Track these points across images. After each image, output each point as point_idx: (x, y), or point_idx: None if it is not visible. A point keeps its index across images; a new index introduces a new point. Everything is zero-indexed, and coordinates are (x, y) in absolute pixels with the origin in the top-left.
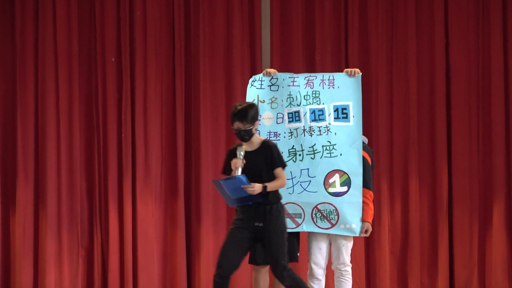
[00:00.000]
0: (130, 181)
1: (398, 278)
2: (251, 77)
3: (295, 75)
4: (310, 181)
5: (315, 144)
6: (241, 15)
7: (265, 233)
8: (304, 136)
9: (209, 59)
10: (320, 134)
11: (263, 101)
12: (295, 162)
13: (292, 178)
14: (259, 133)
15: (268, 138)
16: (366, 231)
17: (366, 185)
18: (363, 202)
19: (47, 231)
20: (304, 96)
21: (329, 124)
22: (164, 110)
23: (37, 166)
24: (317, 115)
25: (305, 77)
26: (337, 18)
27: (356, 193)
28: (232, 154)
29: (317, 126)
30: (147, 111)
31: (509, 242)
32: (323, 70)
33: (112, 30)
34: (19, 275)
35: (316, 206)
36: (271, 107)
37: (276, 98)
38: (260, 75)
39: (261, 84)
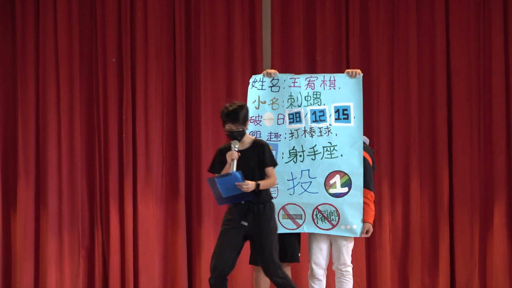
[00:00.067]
0: (131, 181)
1: (399, 279)
2: (251, 77)
3: (296, 76)
4: (311, 182)
5: (315, 145)
6: (242, 16)
7: (258, 231)
8: (305, 137)
9: (210, 60)
10: (321, 135)
11: (264, 102)
12: (295, 163)
13: (292, 179)
14: (260, 134)
15: (268, 139)
16: (367, 232)
17: (367, 185)
18: (364, 202)
19: (48, 231)
20: (305, 97)
21: (330, 125)
22: (165, 110)
23: (38, 166)
24: (318, 116)
25: (306, 78)
26: (338, 18)
27: (356, 194)
28: (222, 153)
29: (317, 127)
30: (148, 111)
31: (510, 242)
32: (324, 70)
33: (113, 31)
34: (20, 275)
35: (316, 207)
36: (272, 108)
37: (277, 99)
38: (260, 75)
39: (262, 85)
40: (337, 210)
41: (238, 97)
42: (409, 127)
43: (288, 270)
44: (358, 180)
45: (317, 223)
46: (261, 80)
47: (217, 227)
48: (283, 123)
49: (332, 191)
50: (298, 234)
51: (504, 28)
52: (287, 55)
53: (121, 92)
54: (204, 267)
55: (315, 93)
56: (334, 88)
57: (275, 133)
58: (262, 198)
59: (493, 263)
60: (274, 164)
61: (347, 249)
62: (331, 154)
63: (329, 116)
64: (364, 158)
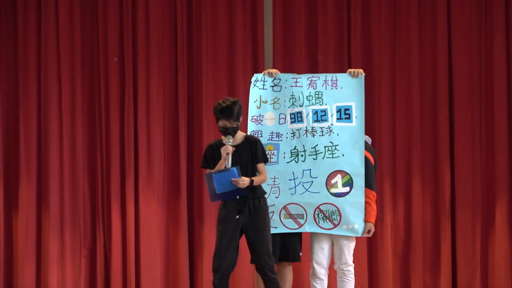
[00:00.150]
0: (133, 181)
1: (401, 278)
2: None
3: (298, 75)
4: (312, 181)
5: (317, 145)
6: (244, 15)
7: (254, 226)
8: (307, 136)
9: (211, 59)
10: (323, 135)
11: (266, 102)
12: (297, 162)
13: (294, 179)
14: (261, 134)
15: (270, 139)
16: (368, 232)
17: (369, 185)
18: (366, 202)
19: (49, 231)
20: (307, 96)
21: (332, 124)
22: (166, 110)
23: (40, 166)
24: (320, 116)
25: (308, 78)
26: (340, 18)
27: (358, 193)
28: (212, 148)
29: (319, 127)
30: (150, 111)
31: None
32: (326, 70)
33: (114, 30)
34: (22, 275)
35: (318, 207)
36: (273, 108)
37: (279, 99)
38: (261, 74)
39: (264, 85)
40: (338, 210)
41: (240, 96)
42: (410, 126)
43: (289, 270)
44: (359, 180)
45: (319, 222)
46: (263, 79)
47: None
48: (285, 122)
49: (333, 190)
50: (300, 234)
51: (506, 28)
52: (288, 55)
53: (123, 91)
54: (206, 266)
55: (317, 92)
56: (336, 88)
57: (276, 133)
58: (257, 193)
59: (495, 262)
60: (266, 160)
61: (349, 248)
62: (332, 153)
63: (331, 116)
64: (366, 158)
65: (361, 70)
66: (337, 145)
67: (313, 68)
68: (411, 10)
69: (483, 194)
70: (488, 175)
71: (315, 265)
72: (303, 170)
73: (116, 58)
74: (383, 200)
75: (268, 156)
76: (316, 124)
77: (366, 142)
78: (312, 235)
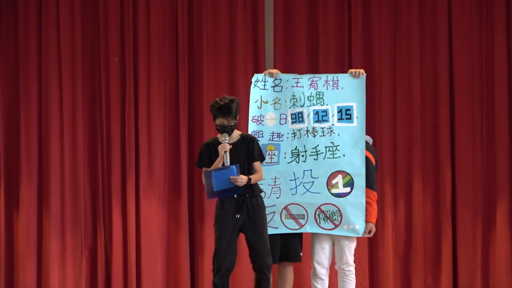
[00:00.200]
0: (134, 181)
1: (402, 278)
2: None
3: (299, 76)
4: (313, 182)
5: (318, 145)
6: (244, 16)
7: (254, 224)
8: (307, 137)
9: (212, 59)
10: (323, 135)
11: (266, 102)
12: (298, 163)
13: (295, 179)
14: (262, 134)
15: (271, 139)
16: (369, 232)
17: (369, 185)
18: (367, 202)
19: (50, 231)
20: (308, 97)
21: (333, 125)
22: (167, 110)
23: (41, 166)
24: (321, 116)
25: (309, 78)
26: (341, 18)
27: (359, 194)
28: (208, 147)
29: (320, 127)
30: (151, 111)
31: None
32: (327, 70)
33: (115, 30)
34: (23, 275)
35: (319, 207)
36: (274, 108)
37: (280, 99)
38: (262, 74)
39: (265, 85)
40: (339, 210)
41: (241, 97)
42: (411, 127)
43: (290, 270)
44: (360, 180)
45: (320, 223)
46: (264, 80)
47: None
48: (286, 123)
49: (334, 191)
50: (300, 234)
51: (507, 28)
52: (289, 55)
53: (124, 92)
54: (207, 266)
55: (318, 93)
56: (337, 88)
57: (277, 133)
58: (255, 192)
59: (496, 263)
60: (262, 158)
61: (350, 248)
62: (333, 154)
63: (332, 116)
64: (367, 158)
65: (362, 71)
66: (338, 145)
67: (314, 68)
68: (411, 10)
69: (484, 194)
70: (489, 174)
71: (316, 265)
72: (304, 171)
73: (117, 58)
74: (384, 200)
75: (269, 157)
76: (317, 125)
77: (367, 142)
78: (313, 235)
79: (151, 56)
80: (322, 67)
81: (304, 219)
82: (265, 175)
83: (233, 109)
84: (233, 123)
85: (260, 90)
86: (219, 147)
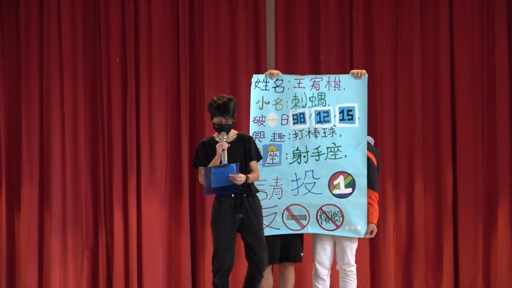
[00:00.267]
0: (135, 182)
1: (403, 279)
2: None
3: (301, 76)
4: (315, 182)
5: (319, 146)
6: (246, 15)
7: (252, 224)
8: (309, 137)
9: (213, 59)
10: (325, 136)
11: (268, 103)
12: (299, 163)
13: (296, 180)
14: (264, 134)
15: (272, 140)
16: (371, 232)
17: (371, 186)
18: (368, 203)
19: (52, 231)
20: (310, 97)
21: (334, 125)
22: (168, 110)
23: (42, 167)
24: (322, 117)
25: (311, 79)
26: (342, 18)
27: (360, 194)
28: (205, 146)
29: (322, 128)
30: (152, 111)
31: None
32: (328, 70)
33: (116, 30)
34: (24, 275)
35: (321, 208)
36: (275, 109)
37: (281, 100)
38: (263, 75)
39: (266, 86)
40: (341, 211)
41: (242, 97)
42: (413, 127)
43: (291, 270)
44: (362, 181)
45: (321, 223)
46: (265, 80)
47: None
48: (287, 123)
49: (336, 191)
50: (301, 234)
51: (508, 28)
52: (290, 55)
53: (125, 92)
54: (208, 266)
55: (319, 94)
56: (339, 89)
57: (279, 134)
58: (253, 191)
59: (497, 263)
60: (259, 158)
61: (351, 249)
62: (335, 155)
63: (334, 117)
64: (369, 159)
65: (364, 71)
66: (340, 146)
67: (315, 68)
68: (413, 10)
69: (485, 194)
70: (490, 175)
71: (318, 266)
72: (305, 171)
73: (118, 59)
74: (385, 200)
75: (271, 157)
76: (318, 125)
77: (368, 143)
78: (315, 235)
79: (152, 56)
80: (324, 67)
81: (305, 219)
82: (267, 176)
83: (231, 108)
84: (231, 122)
85: (262, 91)
86: (217, 145)
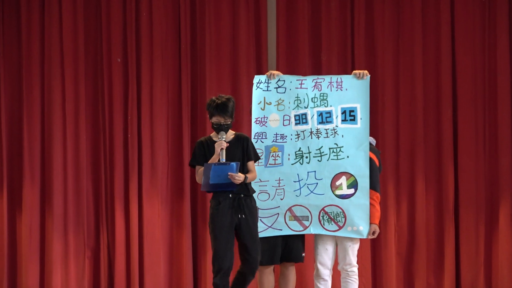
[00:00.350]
0: (136, 182)
1: (404, 279)
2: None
3: (302, 77)
4: (317, 183)
5: (322, 147)
6: (247, 16)
7: (249, 224)
8: (311, 138)
9: (215, 60)
10: (327, 137)
11: (270, 103)
12: (302, 164)
13: (299, 181)
14: (266, 135)
15: (274, 140)
16: (373, 233)
17: (373, 187)
18: (370, 204)
19: (53, 232)
20: (312, 98)
21: (336, 126)
22: (170, 110)
23: (43, 167)
24: (325, 118)
25: (313, 80)
26: (343, 18)
27: (363, 195)
28: (203, 145)
29: (324, 129)
30: (153, 112)
31: None
32: (329, 70)
33: (118, 31)
34: (26, 276)
35: (323, 209)
36: (277, 109)
37: (283, 100)
38: (264, 76)
39: (268, 86)
40: (343, 212)
41: (243, 97)
42: (414, 127)
43: (292, 270)
44: (364, 181)
45: (324, 224)
46: (266, 81)
47: None
48: (289, 124)
49: (338, 192)
50: (302, 234)
51: (509, 28)
52: (292, 55)
53: (126, 92)
54: (210, 267)
55: (322, 94)
56: (341, 90)
57: (280, 134)
58: (250, 191)
59: (499, 263)
60: (257, 158)
61: (353, 249)
62: (337, 155)
63: (336, 118)
64: (371, 159)
65: (366, 72)
66: (342, 146)
67: (317, 68)
68: (414, 10)
69: (486, 194)
70: (491, 175)
71: (319, 266)
72: (308, 172)
73: (119, 59)
74: (386, 201)
75: (273, 158)
76: (320, 126)
77: (370, 144)
78: (317, 236)
79: (153, 57)
80: (325, 67)
81: (308, 220)
82: (269, 177)
83: (229, 107)
84: (229, 122)
85: (263, 91)
86: (216, 144)
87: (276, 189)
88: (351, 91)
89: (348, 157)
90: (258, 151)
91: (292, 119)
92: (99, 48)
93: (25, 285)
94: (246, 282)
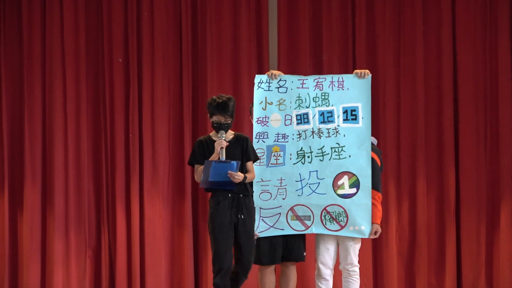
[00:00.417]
0: (138, 182)
1: (406, 279)
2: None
3: (304, 77)
4: (319, 183)
5: (323, 146)
6: (248, 16)
7: (247, 224)
8: (313, 138)
9: (216, 60)
10: (329, 136)
11: (271, 103)
12: (303, 164)
13: (301, 180)
14: (267, 135)
15: (276, 140)
16: (375, 233)
17: (374, 186)
18: (372, 203)
19: (54, 232)
20: (313, 98)
21: (338, 126)
22: (171, 110)
23: (45, 167)
24: (326, 117)
25: (315, 79)
26: (345, 18)
27: (365, 195)
28: (202, 144)
29: (325, 128)
30: (155, 112)
31: None
32: (330, 70)
33: (119, 31)
34: (27, 276)
35: (325, 208)
36: (279, 109)
37: (284, 100)
38: (265, 76)
39: (269, 86)
40: (345, 211)
41: (245, 97)
42: (415, 127)
43: (293, 270)
44: (366, 181)
45: (326, 224)
46: (268, 81)
47: None
48: (291, 124)
49: (340, 192)
50: (303, 234)
51: (511, 28)
52: (293, 55)
53: (128, 92)
54: (211, 267)
55: (323, 94)
56: (343, 89)
57: (282, 134)
58: (249, 191)
59: (500, 263)
60: (256, 158)
61: (354, 249)
62: (339, 155)
63: (337, 117)
64: (372, 159)
65: (367, 71)
66: (344, 146)
67: (318, 68)
68: (415, 10)
69: (488, 194)
70: (493, 175)
71: (321, 266)
72: (309, 172)
73: (120, 59)
74: (388, 200)
75: (275, 158)
76: (322, 125)
77: (372, 144)
78: (318, 235)
79: (155, 57)
80: (326, 67)
81: (310, 220)
82: (271, 176)
83: (230, 107)
84: (229, 121)
85: (265, 91)
86: (216, 143)
87: (278, 188)
88: (352, 90)
89: (350, 156)
90: (259, 151)
91: (294, 119)
92: (101, 48)
93: (26, 284)
94: (239, 283)
